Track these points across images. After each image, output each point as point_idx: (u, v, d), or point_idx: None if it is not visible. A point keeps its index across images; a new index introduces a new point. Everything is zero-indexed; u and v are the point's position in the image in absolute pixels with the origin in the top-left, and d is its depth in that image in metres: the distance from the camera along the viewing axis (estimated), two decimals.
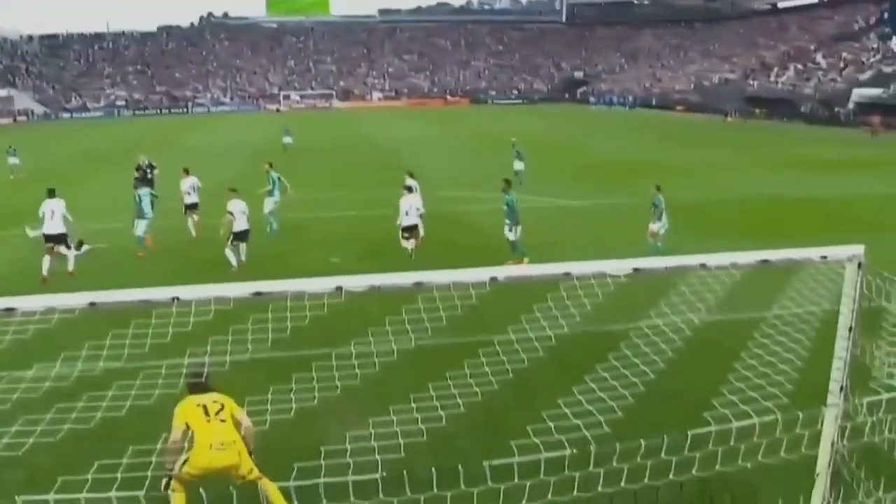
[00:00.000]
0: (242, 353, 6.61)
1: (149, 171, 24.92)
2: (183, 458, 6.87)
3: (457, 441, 8.20)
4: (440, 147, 46.52)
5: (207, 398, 7.10)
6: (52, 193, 17.06)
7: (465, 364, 7.24)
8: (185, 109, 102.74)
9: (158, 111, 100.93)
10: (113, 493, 5.11)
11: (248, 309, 7.91)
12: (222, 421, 6.96)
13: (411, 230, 17.81)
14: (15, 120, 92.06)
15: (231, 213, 16.92)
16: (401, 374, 8.91)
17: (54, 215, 16.66)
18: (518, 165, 29.11)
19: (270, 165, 21.31)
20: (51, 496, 4.86)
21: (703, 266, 5.83)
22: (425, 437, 6.38)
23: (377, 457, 5.98)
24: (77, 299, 5.77)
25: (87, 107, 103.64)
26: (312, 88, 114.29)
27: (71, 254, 16.89)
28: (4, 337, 6.45)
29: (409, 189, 18.52)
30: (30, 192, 21.85)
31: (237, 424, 7.09)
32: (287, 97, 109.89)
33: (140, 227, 18.73)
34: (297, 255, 18.39)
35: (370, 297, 5.05)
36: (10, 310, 5.66)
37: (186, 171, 21.41)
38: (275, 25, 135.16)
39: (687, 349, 8.47)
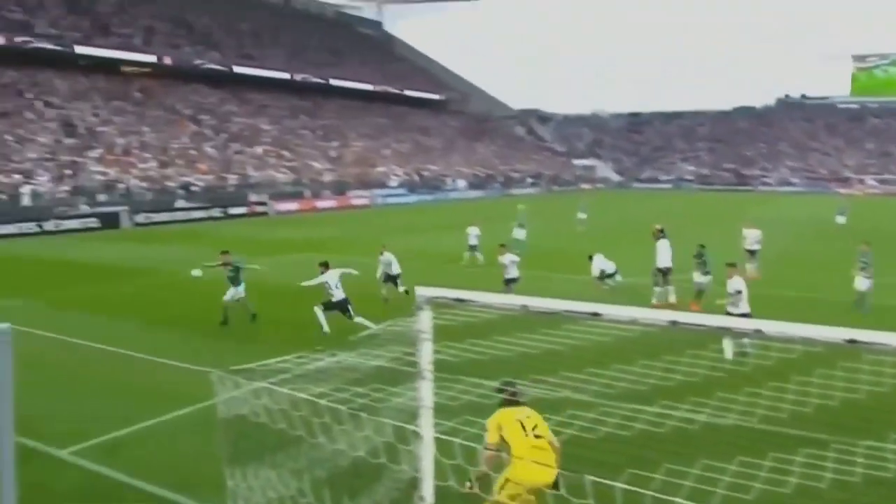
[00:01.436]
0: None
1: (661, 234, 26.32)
2: (501, 479, 6.72)
3: None
4: None
5: (522, 413, 7.01)
6: (663, 233, 21.05)
7: None
8: (750, 187, 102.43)
9: (724, 187, 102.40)
10: (679, 500, 5.19)
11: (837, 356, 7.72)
12: (538, 437, 6.80)
13: None
14: (594, 186, 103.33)
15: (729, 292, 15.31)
16: None
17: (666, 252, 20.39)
18: None
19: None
20: (617, 485, 5.13)
21: None
22: None
23: None
24: (659, 316, 6.13)
25: (657, 179, 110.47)
26: (892, 173, 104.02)
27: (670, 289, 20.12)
28: (589, 337, 7.40)
29: None
30: (587, 243, 24.04)
31: (550, 442, 6.88)
32: (861, 181, 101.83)
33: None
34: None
35: None
36: (595, 314, 6.28)
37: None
38: (856, 106, 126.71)
39: None
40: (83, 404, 12.76)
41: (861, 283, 19.61)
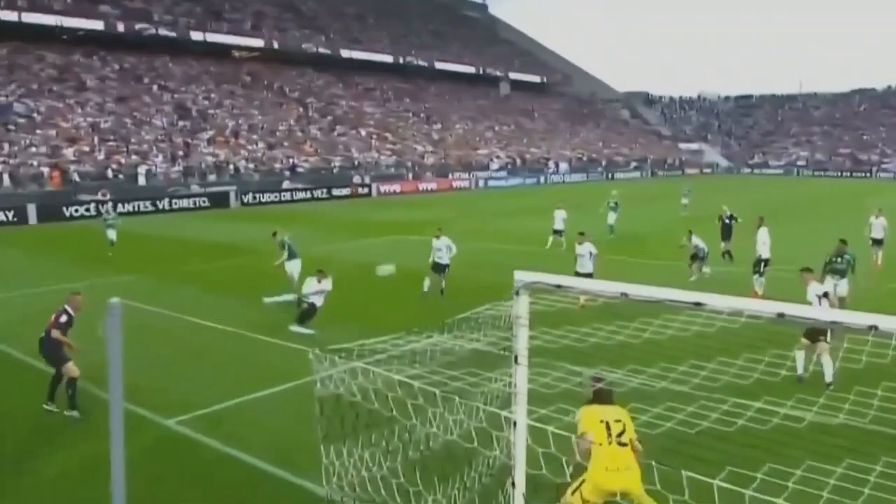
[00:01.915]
0: None
1: (729, 220, 25.32)
2: (576, 483, 6.56)
3: None
4: None
5: (611, 414, 6.76)
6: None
7: None
8: (867, 173, 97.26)
9: (839, 173, 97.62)
10: (779, 501, 4.98)
11: None
12: (622, 445, 6.55)
13: None
14: (701, 171, 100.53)
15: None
16: None
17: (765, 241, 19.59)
18: None
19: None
20: (715, 482, 4.96)
21: None
22: None
23: None
24: (766, 307, 5.85)
25: (767, 164, 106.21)
26: None
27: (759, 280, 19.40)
28: (691, 328, 7.21)
29: None
30: (683, 228, 23.21)
31: (634, 447, 6.62)
32: None
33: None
34: None
35: None
36: (698, 304, 6.04)
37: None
38: None
39: None
40: (188, 377, 13.30)
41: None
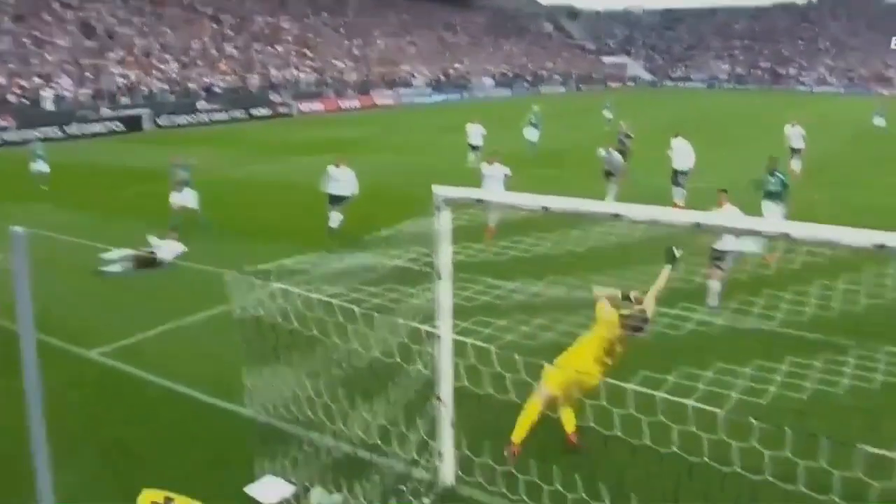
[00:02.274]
0: None
1: (625, 139, 25.44)
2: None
3: None
4: None
5: (622, 341, 6.99)
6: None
7: None
8: (785, 87, 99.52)
9: (759, 86, 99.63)
10: (690, 402, 5.13)
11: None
12: (608, 362, 6.98)
13: None
14: (624, 84, 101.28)
15: None
16: None
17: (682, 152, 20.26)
18: None
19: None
20: (629, 385, 5.08)
21: None
22: None
23: None
24: (681, 217, 5.93)
25: (690, 77, 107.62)
26: None
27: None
28: (610, 238, 7.35)
29: None
30: (606, 142, 23.32)
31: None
32: None
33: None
34: None
35: None
36: (616, 216, 6.09)
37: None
38: None
39: None
40: (108, 307, 12.94)
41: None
